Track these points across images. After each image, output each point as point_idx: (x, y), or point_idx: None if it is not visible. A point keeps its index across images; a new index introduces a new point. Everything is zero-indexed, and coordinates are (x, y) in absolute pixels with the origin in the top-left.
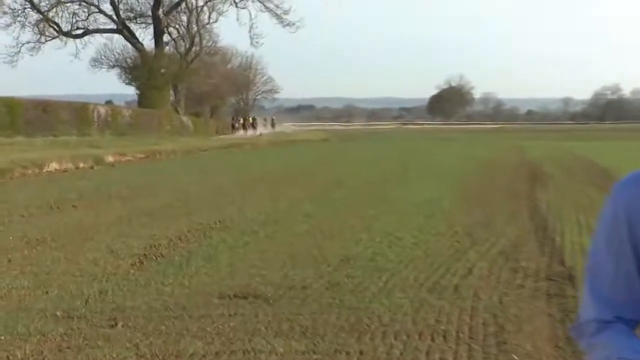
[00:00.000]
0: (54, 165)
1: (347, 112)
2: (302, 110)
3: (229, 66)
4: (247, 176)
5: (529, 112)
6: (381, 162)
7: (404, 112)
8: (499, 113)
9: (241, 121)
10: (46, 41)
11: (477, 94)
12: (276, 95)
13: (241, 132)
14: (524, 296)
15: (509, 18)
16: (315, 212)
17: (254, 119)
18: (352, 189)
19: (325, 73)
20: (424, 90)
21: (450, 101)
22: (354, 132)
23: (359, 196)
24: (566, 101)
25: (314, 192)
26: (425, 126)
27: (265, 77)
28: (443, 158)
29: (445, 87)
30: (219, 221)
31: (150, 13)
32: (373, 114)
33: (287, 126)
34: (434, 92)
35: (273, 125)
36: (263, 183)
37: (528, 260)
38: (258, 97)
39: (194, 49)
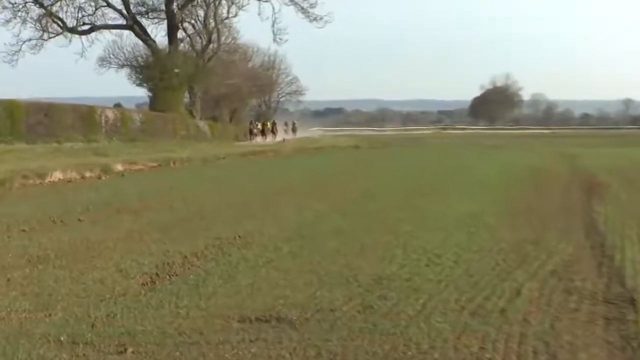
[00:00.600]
0: (57, 175)
1: (380, 115)
2: (330, 114)
3: (250, 65)
4: (270, 187)
5: (584, 116)
6: (418, 172)
7: (444, 116)
8: (550, 116)
9: (259, 126)
10: (49, 38)
11: (525, 95)
12: (301, 98)
13: (259, 138)
14: (579, 321)
15: (562, 12)
16: (345, 227)
17: (273, 123)
18: (385, 202)
19: (355, 73)
20: (466, 91)
21: (495, 103)
22: (387, 137)
23: (393, 209)
24: (626, 103)
25: (343, 205)
26: (467, 131)
27: (289, 77)
28: (488, 167)
29: (489, 87)
30: (239, 236)
31: (163, 7)
32: (409, 118)
33: (313, 131)
34: (477, 93)
35: (294, 130)
36: (287, 194)
37: (583, 280)
38: (282, 100)
39: (211, 46)
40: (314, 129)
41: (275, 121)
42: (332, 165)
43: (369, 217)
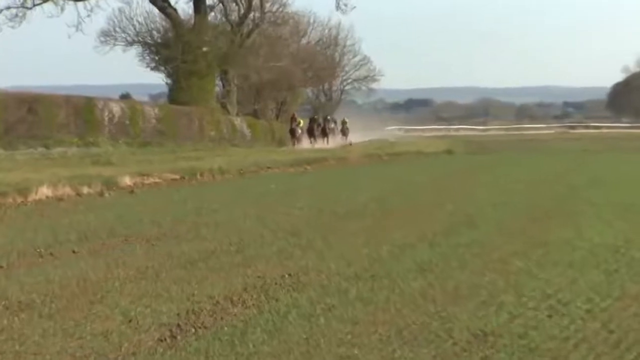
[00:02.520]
0: (44, 192)
1: (481, 108)
2: (413, 107)
3: (304, 42)
4: (332, 208)
5: None
6: (535, 187)
7: (571, 109)
8: None
9: (299, 123)
10: (34, 5)
11: None
12: (374, 85)
13: (306, 142)
14: None
15: None
16: (434, 263)
17: (325, 120)
18: (489, 228)
19: (448, 53)
20: (602, 75)
21: None
22: (492, 139)
23: (499, 239)
24: None
25: (430, 233)
26: (605, 131)
27: (357, 58)
28: (634, 182)
29: (636, 70)
30: (289, 275)
31: None
32: (523, 112)
33: (390, 131)
34: (618, 78)
35: (344, 132)
36: (355, 218)
37: None
38: (347, 88)
39: (251, 15)
40: (390, 128)
41: (330, 117)
42: (414, 178)
43: (466, 250)
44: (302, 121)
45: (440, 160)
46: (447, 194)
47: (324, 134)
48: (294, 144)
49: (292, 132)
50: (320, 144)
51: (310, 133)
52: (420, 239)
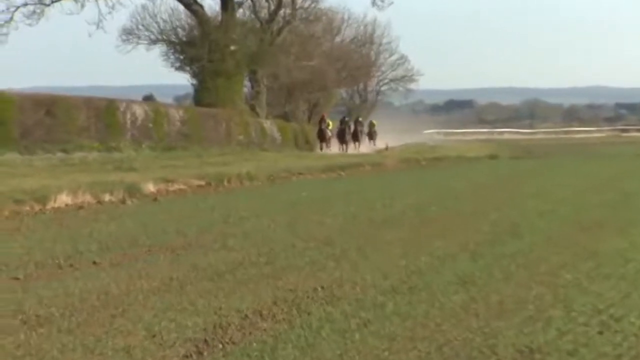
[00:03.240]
0: (64, 199)
1: (527, 110)
2: (454, 109)
3: (338, 40)
4: (368, 216)
5: None
6: (584, 194)
7: (624, 111)
8: None
9: (328, 125)
10: (53, 2)
11: None
12: (412, 86)
13: (334, 146)
14: None
15: None
16: (477, 275)
17: (357, 122)
18: (536, 238)
19: (491, 51)
20: None
21: None
22: (539, 143)
23: (547, 250)
24: None
25: (473, 243)
26: None
27: (394, 57)
28: None
29: None
30: (322, 287)
31: None
32: (572, 114)
33: (429, 135)
34: None
35: (371, 135)
36: (392, 227)
37: None
38: (383, 89)
39: (282, 12)
40: (429, 131)
41: (360, 120)
42: (455, 185)
43: (511, 261)
44: (331, 123)
45: (484, 166)
46: (490, 202)
47: (356, 137)
48: (321, 148)
49: (321, 135)
50: (352, 149)
51: (341, 137)
52: (461, 249)
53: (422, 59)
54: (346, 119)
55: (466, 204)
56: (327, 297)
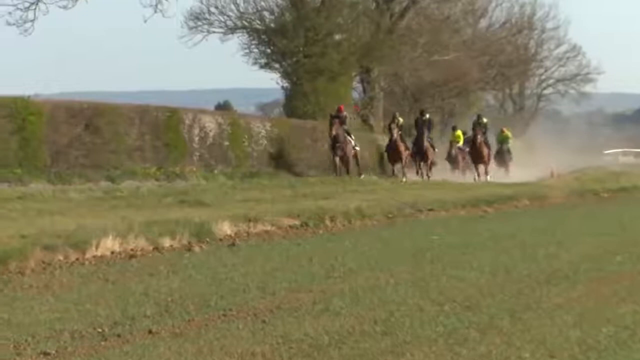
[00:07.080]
0: (109, 245)
1: None
2: None
3: (483, 25)
4: (525, 269)
5: None
6: None
7: None
8: None
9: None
10: None
11: None
12: (588, 88)
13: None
14: None
15: None
16: None
17: (485, 128)
18: None
19: None
20: None
21: None
22: None
23: None
24: None
25: None
26: None
27: (563, 48)
28: None
29: None
30: None
31: None
32: None
33: (612, 156)
34: None
35: (503, 157)
36: (559, 286)
37: None
38: (546, 92)
39: None
40: (612, 151)
41: (506, 129)
42: None
43: None
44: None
45: None
46: None
47: (502, 161)
48: (394, 172)
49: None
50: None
51: (477, 155)
52: None
53: (603, 51)
54: (481, 130)
55: None
56: None
